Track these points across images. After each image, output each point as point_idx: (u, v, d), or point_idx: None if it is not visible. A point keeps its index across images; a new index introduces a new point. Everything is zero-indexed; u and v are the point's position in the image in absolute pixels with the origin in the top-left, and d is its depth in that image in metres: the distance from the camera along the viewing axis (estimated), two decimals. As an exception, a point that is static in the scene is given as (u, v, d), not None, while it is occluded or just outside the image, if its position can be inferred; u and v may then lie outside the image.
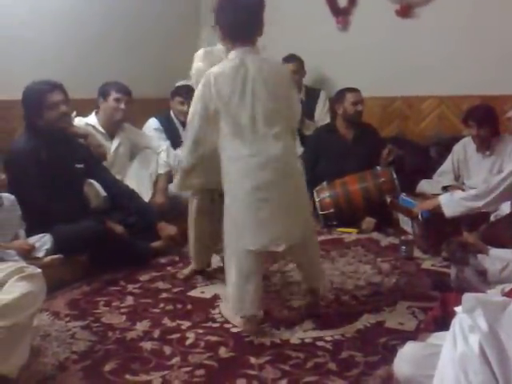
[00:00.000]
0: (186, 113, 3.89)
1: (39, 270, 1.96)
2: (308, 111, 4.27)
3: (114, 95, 3.49)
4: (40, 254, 2.69)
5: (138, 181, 3.48)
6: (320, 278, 2.49)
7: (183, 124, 3.98)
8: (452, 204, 2.70)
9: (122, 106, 3.50)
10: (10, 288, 1.84)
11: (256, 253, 2.19)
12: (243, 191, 2.17)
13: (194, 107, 2.29)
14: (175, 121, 4.02)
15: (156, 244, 3.21)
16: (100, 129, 3.50)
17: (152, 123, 3.98)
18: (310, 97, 4.54)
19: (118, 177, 3.39)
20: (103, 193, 3.24)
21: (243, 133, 2.17)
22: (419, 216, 3.09)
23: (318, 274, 2.48)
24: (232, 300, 2.25)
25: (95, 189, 3.22)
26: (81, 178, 3.13)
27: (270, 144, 2.18)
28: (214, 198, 2.67)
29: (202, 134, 2.30)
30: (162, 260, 3.16)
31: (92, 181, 3.21)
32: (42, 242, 2.73)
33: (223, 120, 2.19)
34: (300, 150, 3.91)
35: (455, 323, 1.30)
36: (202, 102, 2.23)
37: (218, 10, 2.28)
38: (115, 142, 3.55)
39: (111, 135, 3.56)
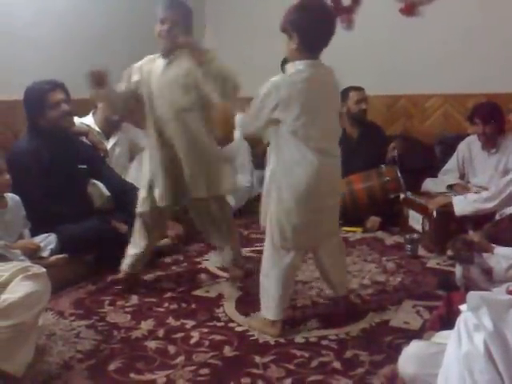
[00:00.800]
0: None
1: (44, 270, 1.97)
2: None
3: None
4: (45, 254, 2.70)
5: (138, 182, 3.47)
6: (338, 284, 2.42)
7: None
8: (463, 203, 2.77)
9: None
10: (15, 287, 1.84)
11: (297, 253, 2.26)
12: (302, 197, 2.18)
13: (263, 104, 2.17)
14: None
15: (162, 243, 3.21)
16: (96, 128, 3.50)
17: None
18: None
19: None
20: (107, 193, 3.24)
21: (308, 146, 2.14)
22: (433, 213, 3.09)
23: (336, 278, 2.40)
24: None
25: (99, 189, 3.22)
26: (84, 178, 3.13)
27: (330, 158, 2.21)
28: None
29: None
30: (167, 259, 3.16)
31: (95, 181, 3.22)
32: (47, 241, 2.74)
33: (289, 131, 2.14)
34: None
35: (460, 322, 1.30)
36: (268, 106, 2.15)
37: (300, 14, 2.16)
38: (111, 142, 3.55)
39: (107, 135, 3.55)
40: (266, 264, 2.27)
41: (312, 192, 2.16)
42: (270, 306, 2.25)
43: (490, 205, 2.65)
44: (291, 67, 2.18)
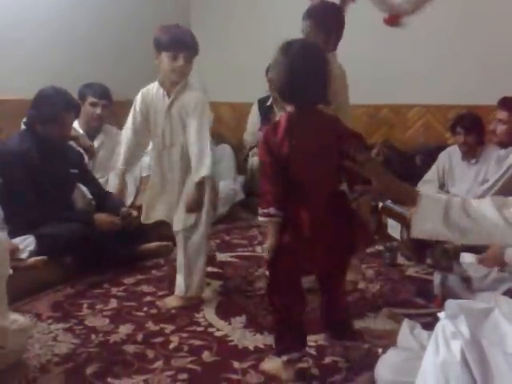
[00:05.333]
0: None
1: None
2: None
3: (89, 99, 3.42)
4: (24, 256, 2.67)
5: None
6: None
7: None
8: None
9: (98, 111, 3.43)
10: None
11: None
12: None
13: None
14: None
15: (148, 246, 3.19)
16: (79, 130, 3.46)
17: None
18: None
19: (100, 180, 3.38)
20: (89, 195, 3.22)
21: None
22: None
23: None
24: None
25: (81, 191, 3.20)
26: (73, 182, 3.10)
27: None
28: None
29: None
30: (147, 263, 3.15)
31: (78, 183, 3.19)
32: (26, 243, 2.71)
33: None
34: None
35: (438, 329, 1.31)
36: None
37: None
38: (94, 144, 3.51)
39: (91, 137, 3.52)
40: None
41: None
42: None
43: None
44: None
